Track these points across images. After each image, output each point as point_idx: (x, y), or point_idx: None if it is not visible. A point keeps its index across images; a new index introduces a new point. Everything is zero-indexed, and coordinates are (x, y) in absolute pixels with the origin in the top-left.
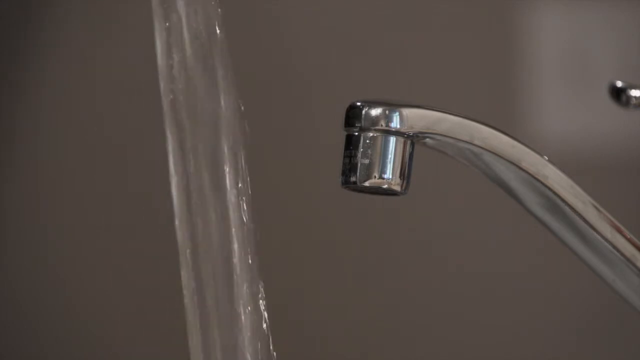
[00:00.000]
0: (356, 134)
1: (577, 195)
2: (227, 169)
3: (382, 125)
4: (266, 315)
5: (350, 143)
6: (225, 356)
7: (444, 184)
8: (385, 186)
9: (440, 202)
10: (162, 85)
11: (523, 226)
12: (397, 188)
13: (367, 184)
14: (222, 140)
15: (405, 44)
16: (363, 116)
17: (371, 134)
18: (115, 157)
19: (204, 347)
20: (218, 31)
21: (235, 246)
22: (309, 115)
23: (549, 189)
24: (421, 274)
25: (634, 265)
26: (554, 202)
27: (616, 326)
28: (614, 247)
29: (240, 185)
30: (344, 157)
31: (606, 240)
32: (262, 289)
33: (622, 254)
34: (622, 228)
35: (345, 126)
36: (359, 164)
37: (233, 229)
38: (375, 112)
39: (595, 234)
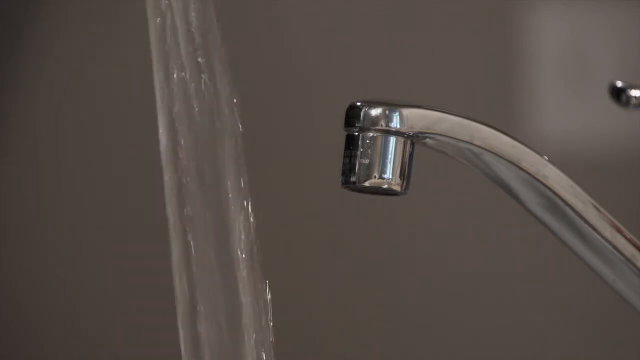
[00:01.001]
0: (356, 134)
1: (577, 195)
2: (226, 170)
3: (382, 125)
4: (270, 314)
5: (350, 143)
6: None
7: (444, 184)
8: (385, 186)
9: (440, 202)
10: (157, 87)
11: (523, 226)
12: (397, 188)
13: (367, 184)
14: (219, 138)
15: (405, 44)
16: (363, 116)
17: (371, 134)
18: (115, 157)
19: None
20: (215, 30)
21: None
22: (309, 115)
23: (549, 189)
24: (421, 274)
25: (634, 265)
26: (554, 202)
27: (616, 326)
28: (614, 247)
29: (241, 185)
30: (344, 157)
31: (606, 240)
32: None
33: (622, 254)
34: (622, 228)
35: (345, 126)
36: (359, 164)
37: (232, 225)
38: (375, 112)
39: (595, 234)
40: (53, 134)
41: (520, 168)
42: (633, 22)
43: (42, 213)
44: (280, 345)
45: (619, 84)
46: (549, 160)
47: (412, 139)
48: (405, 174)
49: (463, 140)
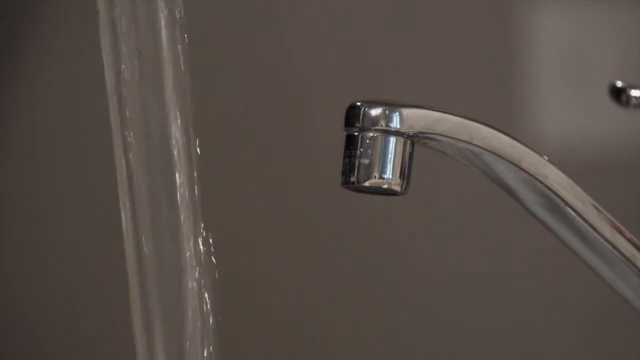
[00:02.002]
0: (356, 134)
1: (577, 195)
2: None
3: (382, 125)
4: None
5: (350, 143)
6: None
7: (444, 184)
8: (385, 186)
9: (440, 202)
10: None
11: (523, 226)
12: (397, 188)
13: (367, 184)
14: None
15: (405, 44)
16: (363, 116)
17: (371, 134)
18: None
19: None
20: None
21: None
22: (309, 115)
23: (549, 189)
24: (421, 274)
25: (634, 265)
26: (554, 202)
27: (616, 326)
28: (614, 247)
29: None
30: (344, 157)
31: (606, 240)
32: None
33: (622, 254)
34: (622, 228)
35: (345, 126)
36: (359, 164)
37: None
38: (375, 112)
39: (595, 234)
40: (53, 134)
41: (520, 168)
42: (633, 22)
43: (42, 213)
44: (280, 345)
45: (619, 84)
46: (549, 160)
47: (412, 139)
48: (405, 174)
49: (463, 140)
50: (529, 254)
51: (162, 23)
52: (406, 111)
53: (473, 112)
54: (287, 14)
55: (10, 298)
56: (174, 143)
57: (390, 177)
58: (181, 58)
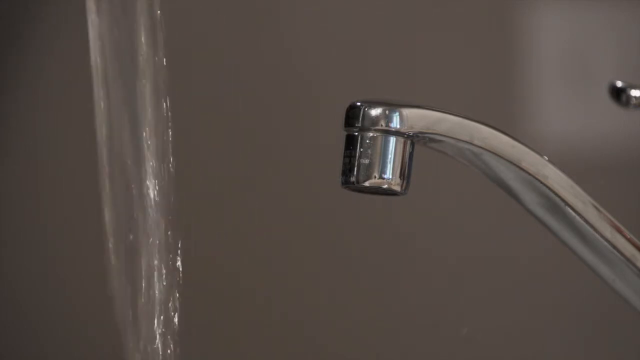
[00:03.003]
0: (356, 134)
1: (577, 195)
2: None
3: (382, 125)
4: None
5: (350, 143)
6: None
7: (444, 184)
8: (385, 186)
9: (440, 202)
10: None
11: (523, 226)
12: (397, 188)
13: (367, 184)
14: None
15: (405, 44)
16: (363, 116)
17: (371, 134)
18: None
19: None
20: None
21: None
22: (309, 115)
23: (549, 189)
24: (421, 274)
25: (634, 265)
26: (554, 202)
27: (616, 326)
28: (614, 247)
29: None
30: (344, 157)
31: (606, 240)
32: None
33: (622, 254)
34: (622, 228)
35: (345, 126)
36: (358, 164)
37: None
38: (375, 112)
39: (595, 234)
40: (53, 134)
41: (520, 168)
42: (633, 22)
43: (42, 213)
44: (280, 345)
45: (619, 84)
46: (549, 160)
47: (412, 139)
48: (405, 174)
49: (463, 140)
50: (528, 254)
51: (155, 22)
52: (406, 111)
53: (473, 112)
54: (287, 14)
55: (10, 298)
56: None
57: (390, 177)
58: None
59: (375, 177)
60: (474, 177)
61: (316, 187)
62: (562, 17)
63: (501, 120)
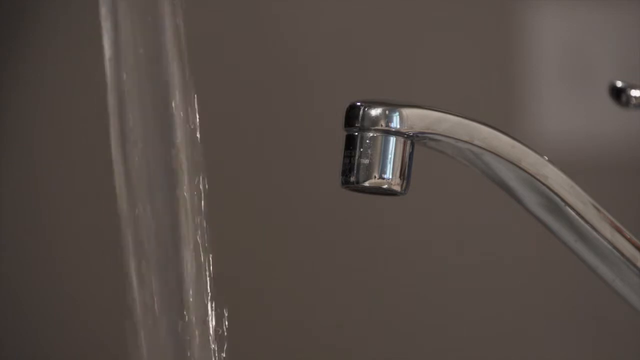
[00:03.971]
0: (356, 134)
1: (577, 195)
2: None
3: (382, 125)
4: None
5: (350, 143)
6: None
7: (444, 184)
8: (385, 186)
9: (440, 202)
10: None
11: (523, 226)
12: (397, 188)
13: (367, 184)
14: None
15: (406, 44)
16: (363, 116)
17: (371, 134)
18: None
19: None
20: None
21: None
22: (309, 115)
23: (549, 189)
24: (421, 273)
25: (634, 265)
26: (554, 202)
27: (616, 326)
28: (614, 247)
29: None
30: (344, 157)
31: (606, 240)
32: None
33: (622, 254)
34: (622, 228)
35: (345, 126)
36: (358, 164)
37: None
38: (375, 112)
39: (595, 234)
40: (53, 134)
41: (520, 168)
42: (633, 22)
43: (42, 213)
44: (280, 345)
45: (619, 84)
46: (549, 160)
47: (412, 139)
48: (405, 174)
49: (463, 140)
50: (528, 254)
51: (166, 24)
52: (406, 111)
53: (473, 112)
54: (288, 15)
55: (10, 298)
56: (178, 142)
57: (390, 177)
58: (186, 57)
59: (375, 177)
60: (473, 177)
61: (316, 187)
62: (562, 17)
63: (501, 120)
